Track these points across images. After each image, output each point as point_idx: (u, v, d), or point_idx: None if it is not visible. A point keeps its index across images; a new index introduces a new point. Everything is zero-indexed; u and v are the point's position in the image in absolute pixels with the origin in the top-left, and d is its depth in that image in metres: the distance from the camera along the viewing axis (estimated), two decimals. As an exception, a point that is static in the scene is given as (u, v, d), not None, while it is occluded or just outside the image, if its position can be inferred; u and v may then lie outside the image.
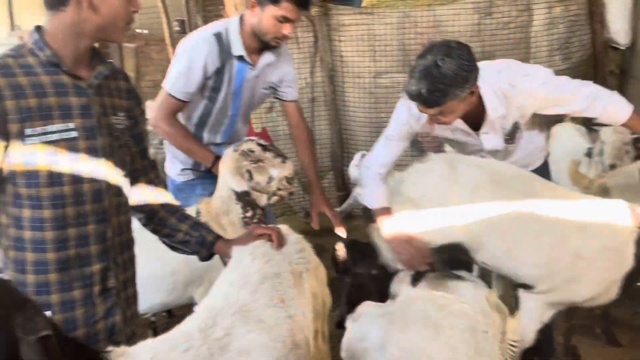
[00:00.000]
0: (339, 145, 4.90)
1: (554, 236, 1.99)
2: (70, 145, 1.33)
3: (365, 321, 1.89)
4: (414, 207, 2.15)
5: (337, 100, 4.83)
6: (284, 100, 2.70)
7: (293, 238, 1.78)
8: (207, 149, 2.44)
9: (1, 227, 1.36)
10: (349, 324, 1.81)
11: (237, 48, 2.37)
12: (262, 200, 2.27)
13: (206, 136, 2.57)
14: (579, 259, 1.96)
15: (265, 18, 2.29)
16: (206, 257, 1.73)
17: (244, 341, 1.33)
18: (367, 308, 1.90)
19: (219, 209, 2.23)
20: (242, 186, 2.19)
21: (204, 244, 1.70)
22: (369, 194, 2.34)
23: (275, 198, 2.28)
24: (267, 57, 2.46)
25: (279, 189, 2.24)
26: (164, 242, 1.72)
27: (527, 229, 2.01)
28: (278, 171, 2.22)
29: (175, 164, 2.60)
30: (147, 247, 1.71)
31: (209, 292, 1.58)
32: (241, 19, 2.40)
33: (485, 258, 2.09)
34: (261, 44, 2.40)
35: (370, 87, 4.64)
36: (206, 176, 2.49)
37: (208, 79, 2.40)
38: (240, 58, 2.40)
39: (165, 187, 1.74)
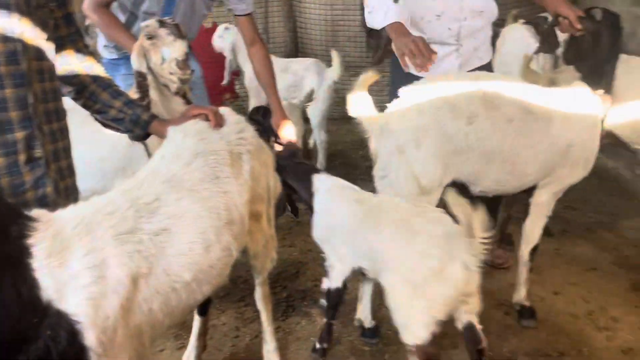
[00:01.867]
0: (293, 44, 4.75)
1: (546, 137, 2.08)
2: None
3: (336, 197, 1.96)
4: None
5: (292, -5, 4.64)
6: (235, 15, 2.59)
7: (234, 119, 1.76)
8: (133, 37, 2.29)
9: None
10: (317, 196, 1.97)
11: None
12: (172, 85, 2.11)
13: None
14: (570, 147, 2.10)
15: None
16: (141, 136, 1.69)
17: (175, 207, 1.34)
18: (333, 181, 2.02)
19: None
20: (141, 66, 2.06)
21: (138, 123, 1.65)
22: (377, 10, 2.12)
23: (174, 86, 2.10)
24: None
25: (170, 73, 2.07)
26: (96, 119, 1.67)
27: (523, 143, 2.09)
28: (170, 50, 2.04)
29: (100, 38, 2.57)
30: (72, 132, 1.63)
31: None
32: None
33: (486, 186, 2.17)
34: None
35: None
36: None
37: None
38: None
39: (96, 59, 1.65)
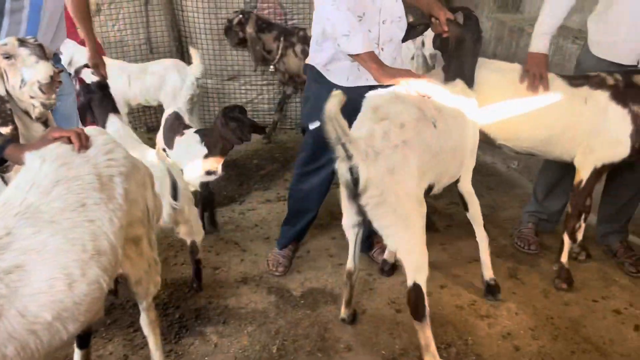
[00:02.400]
0: (178, 53, 4.62)
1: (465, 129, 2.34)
2: None
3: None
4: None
5: (174, 2, 4.49)
6: None
7: (102, 139, 1.66)
8: None
9: None
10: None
11: None
12: (34, 111, 1.95)
13: (6, 24, 2.26)
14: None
15: None
16: None
17: (31, 241, 1.23)
18: (123, 128, 2.62)
19: None
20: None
21: None
22: (352, 37, 2.12)
23: (36, 111, 1.95)
24: None
25: (32, 97, 1.91)
26: None
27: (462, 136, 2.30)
28: (30, 72, 1.88)
29: None
30: None
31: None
32: None
33: (443, 183, 2.31)
34: None
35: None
36: None
37: None
38: None
39: None
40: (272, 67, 4.26)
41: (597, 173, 2.57)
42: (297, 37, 3.99)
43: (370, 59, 2.15)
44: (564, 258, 2.70)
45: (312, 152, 2.61)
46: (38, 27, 2.33)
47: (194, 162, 2.97)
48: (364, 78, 2.36)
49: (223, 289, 2.71)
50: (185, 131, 3.11)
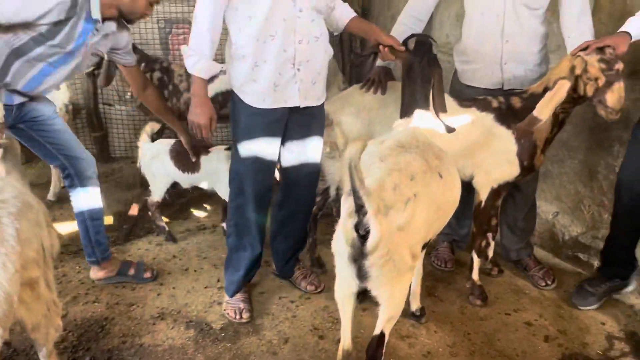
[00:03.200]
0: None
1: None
2: None
3: None
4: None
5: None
6: (126, 66, 2.75)
7: (-13, 180, 1.55)
8: None
9: None
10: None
11: (95, 11, 2.33)
12: None
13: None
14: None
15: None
16: None
17: None
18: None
19: None
20: None
21: None
22: (190, 56, 2.22)
23: None
24: (109, 26, 2.48)
25: None
26: None
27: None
28: None
29: None
30: None
31: None
32: None
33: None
34: (118, 17, 2.46)
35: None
36: None
37: (40, 22, 2.22)
38: (93, 21, 2.36)
39: None
40: (129, 93, 4.23)
41: (495, 193, 2.67)
42: (160, 66, 3.87)
43: (196, 86, 2.25)
44: (475, 276, 2.81)
45: (240, 181, 2.49)
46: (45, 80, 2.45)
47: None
48: (282, 100, 2.35)
49: (138, 326, 2.58)
50: None
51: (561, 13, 2.60)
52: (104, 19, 2.41)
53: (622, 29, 2.34)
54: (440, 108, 2.25)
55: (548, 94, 2.36)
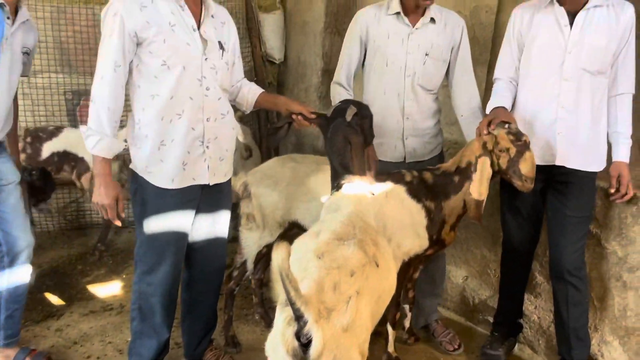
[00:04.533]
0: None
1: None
2: None
3: None
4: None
5: None
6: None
7: None
8: None
9: None
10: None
11: None
12: None
13: None
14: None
15: None
16: None
17: None
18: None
19: None
20: None
21: None
22: (90, 136, 2.15)
23: None
24: (22, 14, 2.38)
25: None
26: None
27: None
28: None
29: None
30: None
31: None
32: None
33: None
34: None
35: (23, 88, 4.07)
36: None
37: None
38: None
39: None
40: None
41: (406, 265, 2.67)
42: (46, 133, 3.92)
43: (99, 166, 2.17)
44: (391, 347, 2.79)
45: (146, 263, 2.35)
46: None
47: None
48: (190, 178, 2.29)
49: None
50: None
51: (452, 95, 2.88)
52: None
53: (495, 105, 2.56)
54: (359, 172, 2.16)
55: (476, 176, 2.47)
